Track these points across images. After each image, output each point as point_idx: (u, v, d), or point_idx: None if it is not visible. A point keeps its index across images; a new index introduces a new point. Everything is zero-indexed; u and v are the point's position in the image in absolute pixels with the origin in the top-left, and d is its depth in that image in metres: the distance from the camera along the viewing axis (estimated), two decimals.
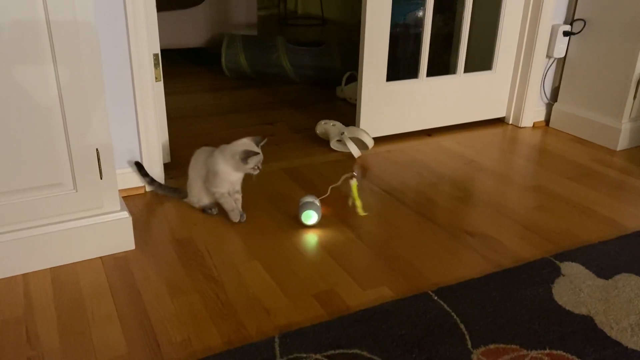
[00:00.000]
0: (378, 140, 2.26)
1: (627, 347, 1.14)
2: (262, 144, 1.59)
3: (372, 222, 1.66)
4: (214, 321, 1.21)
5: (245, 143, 1.57)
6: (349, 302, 1.28)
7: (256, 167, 1.56)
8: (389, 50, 2.16)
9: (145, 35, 1.62)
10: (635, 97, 2.21)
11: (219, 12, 3.62)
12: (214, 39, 3.60)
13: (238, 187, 1.62)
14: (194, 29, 3.57)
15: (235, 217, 1.60)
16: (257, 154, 1.55)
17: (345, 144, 2.14)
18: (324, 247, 1.51)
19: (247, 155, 1.52)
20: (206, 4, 3.53)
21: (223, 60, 3.17)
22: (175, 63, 3.60)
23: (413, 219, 1.68)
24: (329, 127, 2.22)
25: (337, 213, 1.69)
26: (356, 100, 2.24)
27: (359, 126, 2.23)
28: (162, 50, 1.83)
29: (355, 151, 2.13)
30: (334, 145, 2.20)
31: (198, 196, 1.65)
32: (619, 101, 2.24)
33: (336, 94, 2.95)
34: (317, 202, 1.62)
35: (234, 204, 1.60)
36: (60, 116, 1.28)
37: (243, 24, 3.71)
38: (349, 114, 2.55)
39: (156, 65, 1.74)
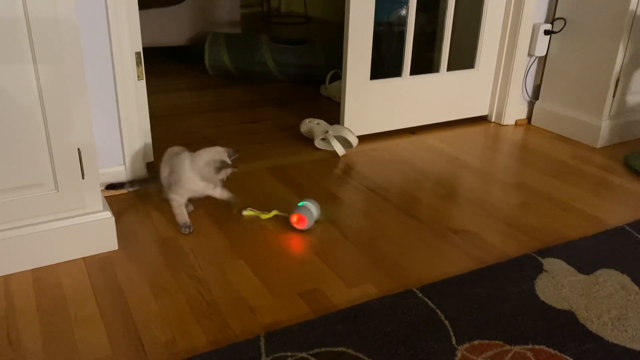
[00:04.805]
0: (362, 138, 2.26)
1: (608, 341, 1.16)
2: (234, 157, 1.55)
3: (357, 220, 1.66)
4: (199, 321, 1.21)
5: (220, 152, 1.53)
6: (335, 300, 1.29)
7: (222, 181, 1.53)
8: (372, 49, 2.17)
9: (127, 33, 1.61)
10: (614, 94, 2.25)
11: (201, 10, 3.59)
12: (197, 37, 3.57)
13: (199, 195, 1.58)
14: (176, 27, 3.54)
15: (184, 230, 1.54)
16: (231, 168, 1.51)
17: (329, 143, 2.14)
18: (309, 245, 1.51)
19: (223, 165, 1.49)
20: (189, 2, 3.51)
21: (206, 58, 3.15)
22: (158, 61, 3.57)
23: (397, 216, 1.69)
24: (313, 125, 2.22)
25: (320, 211, 1.69)
26: (340, 98, 2.24)
27: (343, 124, 2.23)
28: (144, 49, 1.81)
29: (340, 149, 2.13)
30: (318, 143, 2.20)
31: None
32: (598, 99, 2.27)
33: (320, 92, 2.95)
34: (312, 208, 1.59)
35: (187, 219, 1.55)
36: (41, 115, 1.26)
37: (226, 22, 3.69)
38: (333, 112, 2.55)
39: (138, 63, 1.72)
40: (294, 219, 1.56)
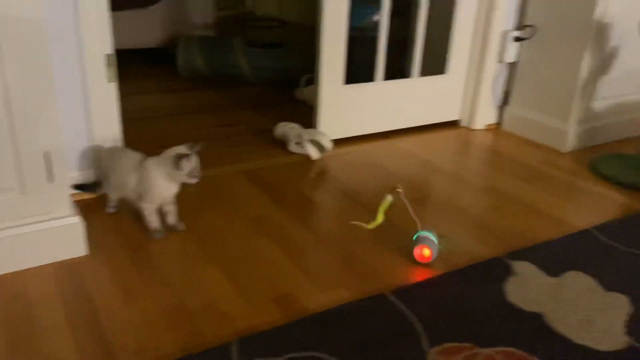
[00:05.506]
0: (336, 142, 2.27)
1: (575, 342, 1.19)
2: (196, 148, 1.44)
3: (330, 223, 1.67)
4: (170, 328, 1.19)
5: (181, 149, 1.45)
6: (307, 304, 1.29)
7: (192, 175, 1.43)
8: (347, 54, 2.18)
9: (97, 34, 1.58)
10: (581, 100, 2.31)
11: (175, 12, 3.56)
12: (170, 39, 3.54)
13: (171, 199, 1.54)
14: (150, 29, 3.50)
15: (156, 236, 1.52)
16: (189, 155, 1.41)
17: (304, 147, 2.14)
18: (282, 249, 1.51)
19: (179, 158, 1.39)
20: (162, 4, 3.47)
21: (179, 61, 3.12)
22: (131, 63, 3.52)
23: (370, 220, 1.70)
24: (287, 129, 2.22)
25: (294, 214, 1.69)
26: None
27: (317, 128, 2.24)
28: (117, 51, 1.78)
29: (314, 153, 2.13)
30: (292, 147, 2.20)
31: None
32: (566, 104, 2.33)
33: (295, 96, 2.95)
34: (434, 238, 1.48)
35: (159, 224, 1.52)
36: (7, 118, 1.23)
37: (200, 24, 3.67)
38: (307, 116, 2.55)
39: (109, 65, 1.70)
40: (425, 252, 1.45)
